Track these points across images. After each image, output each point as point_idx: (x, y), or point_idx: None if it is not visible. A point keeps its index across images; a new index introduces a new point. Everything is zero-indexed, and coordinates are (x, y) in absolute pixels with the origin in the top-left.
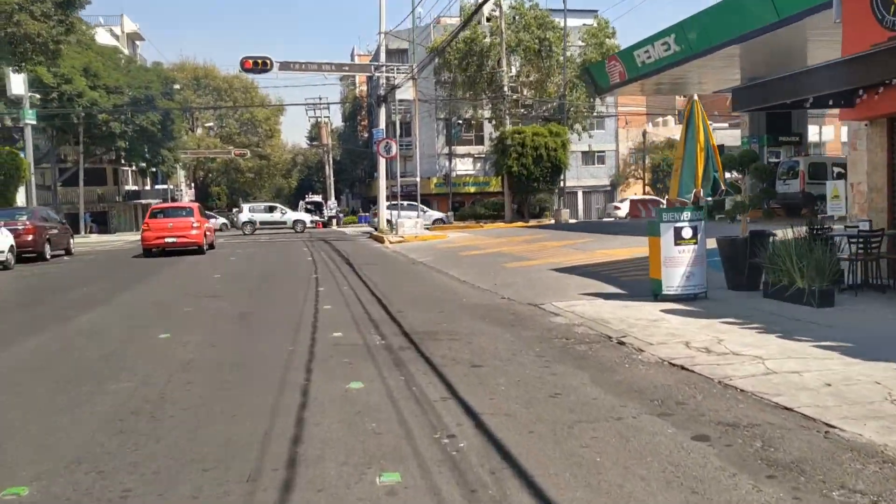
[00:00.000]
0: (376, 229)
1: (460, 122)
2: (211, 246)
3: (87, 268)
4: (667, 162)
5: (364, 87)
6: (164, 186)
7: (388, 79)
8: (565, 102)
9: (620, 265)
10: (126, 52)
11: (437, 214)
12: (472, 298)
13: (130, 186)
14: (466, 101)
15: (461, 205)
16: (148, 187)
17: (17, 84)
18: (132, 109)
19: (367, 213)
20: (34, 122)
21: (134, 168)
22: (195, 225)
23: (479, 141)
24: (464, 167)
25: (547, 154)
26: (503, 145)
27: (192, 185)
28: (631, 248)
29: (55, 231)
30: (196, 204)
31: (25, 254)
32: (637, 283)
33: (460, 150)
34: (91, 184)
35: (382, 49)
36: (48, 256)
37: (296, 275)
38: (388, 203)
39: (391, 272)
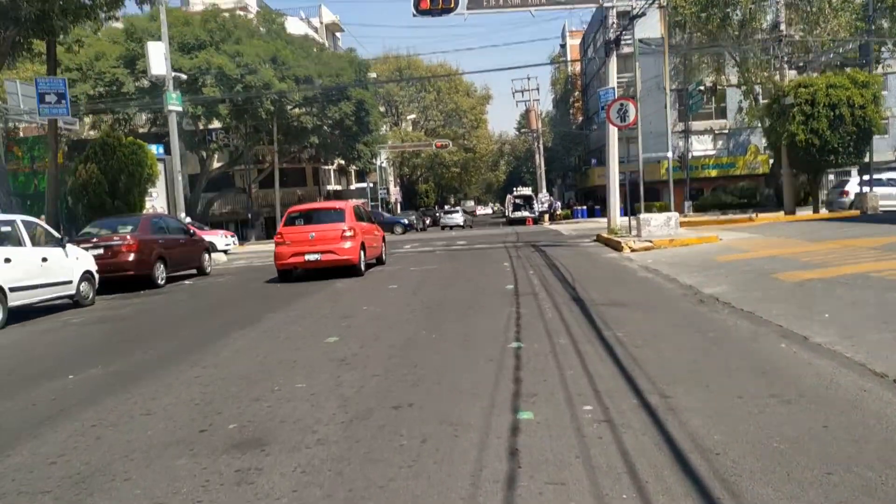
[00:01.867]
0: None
1: (701, 88)
2: (379, 261)
3: (184, 306)
4: None
5: (577, 67)
6: (364, 185)
7: (619, 15)
8: (871, 37)
9: None
10: (325, 43)
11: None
12: None
13: (333, 186)
14: (724, 46)
15: (699, 192)
16: (353, 187)
17: (157, 61)
18: (324, 99)
19: (584, 207)
20: (179, 109)
21: (334, 167)
22: (347, 234)
23: (721, 114)
24: (701, 147)
25: (850, 114)
26: (780, 106)
27: (398, 182)
28: None
29: (177, 246)
30: (350, 203)
31: (125, 279)
32: None
33: (696, 125)
34: (290, 185)
35: None
36: (160, 281)
37: (476, 339)
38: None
39: (683, 340)
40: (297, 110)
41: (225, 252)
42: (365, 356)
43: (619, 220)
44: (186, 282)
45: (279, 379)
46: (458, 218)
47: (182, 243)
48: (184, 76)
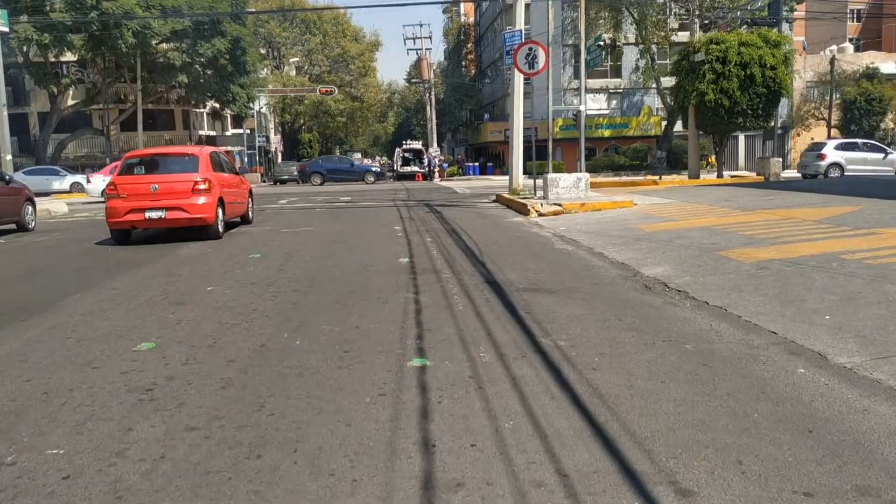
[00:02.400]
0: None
1: (600, 44)
2: (245, 220)
3: None
4: (866, 97)
5: (471, 18)
6: (241, 131)
7: None
8: None
9: None
10: None
11: None
12: None
13: (206, 131)
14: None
15: (591, 152)
16: (229, 133)
17: None
18: (196, 34)
19: (476, 164)
20: (5, 29)
21: (207, 111)
22: (201, 186)
23: (616, 73)
24: (595, 106)
25: (761, 74)
26: (689, 63)
27: (280, 130)
28: None
29: None
30: (206, 149)
31: None
32: None
33: (591, 83)
34: (156, 128)
35: None
36: None
37: (359, 349)
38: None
39: (653, 356)
40: (164, 45)
41: None
42: (185, 382)
43: (521, 180)
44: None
45: (25, 433)
46: None
47: None
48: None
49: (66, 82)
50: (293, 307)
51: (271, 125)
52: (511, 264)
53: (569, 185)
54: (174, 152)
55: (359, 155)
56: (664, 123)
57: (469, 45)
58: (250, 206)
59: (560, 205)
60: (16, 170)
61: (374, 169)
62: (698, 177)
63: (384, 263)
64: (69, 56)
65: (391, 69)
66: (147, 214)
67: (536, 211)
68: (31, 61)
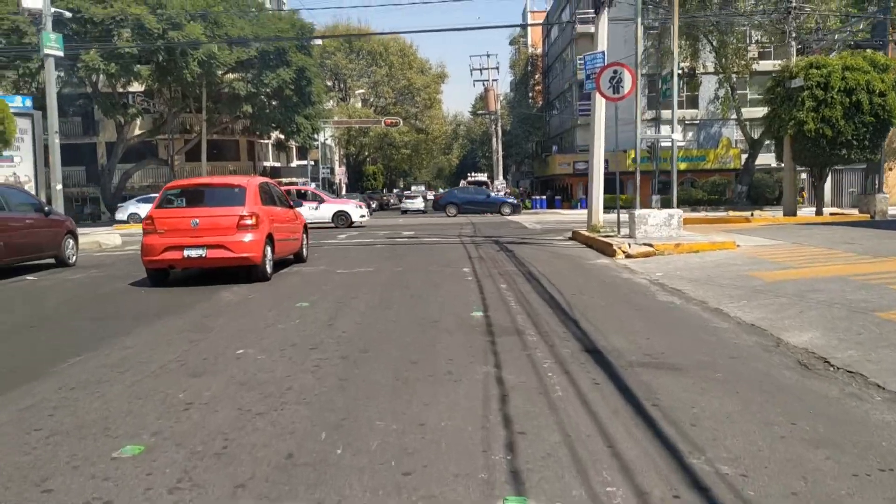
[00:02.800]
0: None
1: (680, 71)
2: (298, 258)
3: None
4: None
5: (539, 49)
6: (305, 162)
7: None
8: (888, 14)
9: None
10: (265, 2)
11: None
12: None
13: (270, 162)
14: (729, 14)
15: (665, 186)
16: (293, 164)
17: None
18: (261, 64)
19: (543, 197)
20: (59, 53)
21: (272, 142)
22: (247, 222)
23: (692, 104)
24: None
25: (869, 101)
26: (785, 90)
27: (344, 162)
28: None
29: (19, 228)
30: (255, 180)
31: None
32: None
33: (667, 114)
34: (221, 158)
35: None
36: None
37: (424, 467)
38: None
39: None
40: (229, 75)
41: (356, 225)
42: None
43: (602, 216)
44: (29, 277)
45: None
46: (419, 203)
47: (29, 224)
48: (67, 13)
49: (133, 112)
50: (339, 385)
51: (336, 157)
52: (609, 322)
53: (659, 222)
54: (219, 183)
55: (422, 187)
56: (744, 156)
57: (536, 76)
58: (304, 242)
59: (651, 245)
60: (76, 200)
61: (510, 201)
62: (794, 214)
63: (453, 317)
64: (136, 86)
65: (457, 100)
66: (186, 252)
67: (623, 252)
68: (99, 91)
